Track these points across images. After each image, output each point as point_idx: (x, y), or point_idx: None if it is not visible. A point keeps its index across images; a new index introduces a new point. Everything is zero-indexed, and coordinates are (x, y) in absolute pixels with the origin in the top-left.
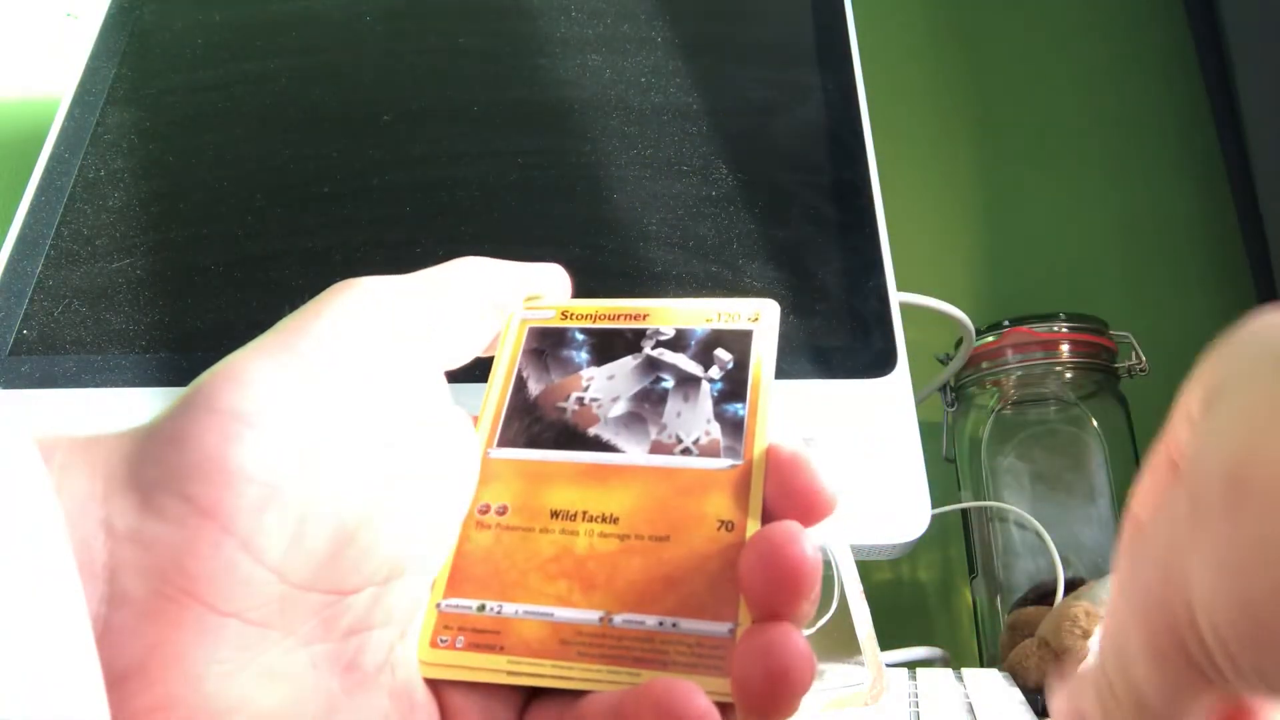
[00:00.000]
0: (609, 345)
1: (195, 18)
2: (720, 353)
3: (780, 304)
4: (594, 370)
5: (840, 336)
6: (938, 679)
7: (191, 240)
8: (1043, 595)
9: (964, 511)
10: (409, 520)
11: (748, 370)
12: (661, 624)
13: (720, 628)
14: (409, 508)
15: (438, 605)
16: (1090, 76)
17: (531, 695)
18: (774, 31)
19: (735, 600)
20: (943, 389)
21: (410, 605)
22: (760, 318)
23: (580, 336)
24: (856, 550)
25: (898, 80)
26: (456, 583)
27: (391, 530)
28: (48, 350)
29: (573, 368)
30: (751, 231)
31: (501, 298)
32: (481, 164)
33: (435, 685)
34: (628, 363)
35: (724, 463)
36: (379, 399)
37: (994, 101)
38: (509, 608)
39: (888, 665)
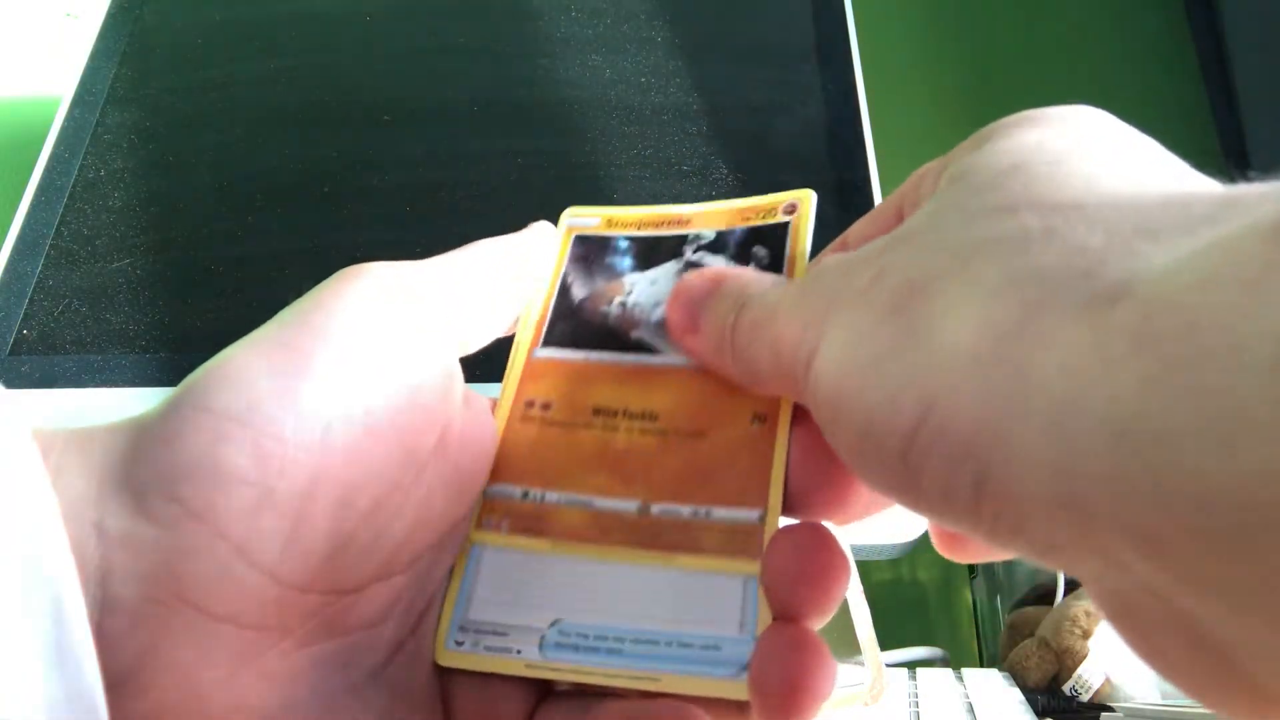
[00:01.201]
0: (651, 251)
1: (195, 18)
2: (757, 249)
3: None
4: (636, 275)
5: None
6: (938, 679)
7: (191, 240)
8: (1042, 595)
9: None
10: (414, 517)
11: (783, 264)
12: (695, 512)
13: (750, 514)
14: (414, 504)
15: (484, 492)
16: (1090, 76)
17: (540, 699)
18: (774, 31)
19: (765, 488)
20: None
21: (413, 601)
22: (797, 209)
23: (624, 244)
24: (856, 550)
25: (898, 80)
26: (501, 469)
27: (396, 528)
28: (48, 350)
29: (616, 274)
30: None
31: (522, 275)
32: (481, 164)
33: (441, 683)
34: (670, 267)
35: None
36: (382, 392)
37: (994, 101)
38: (551, 495)
39: (888, 665)
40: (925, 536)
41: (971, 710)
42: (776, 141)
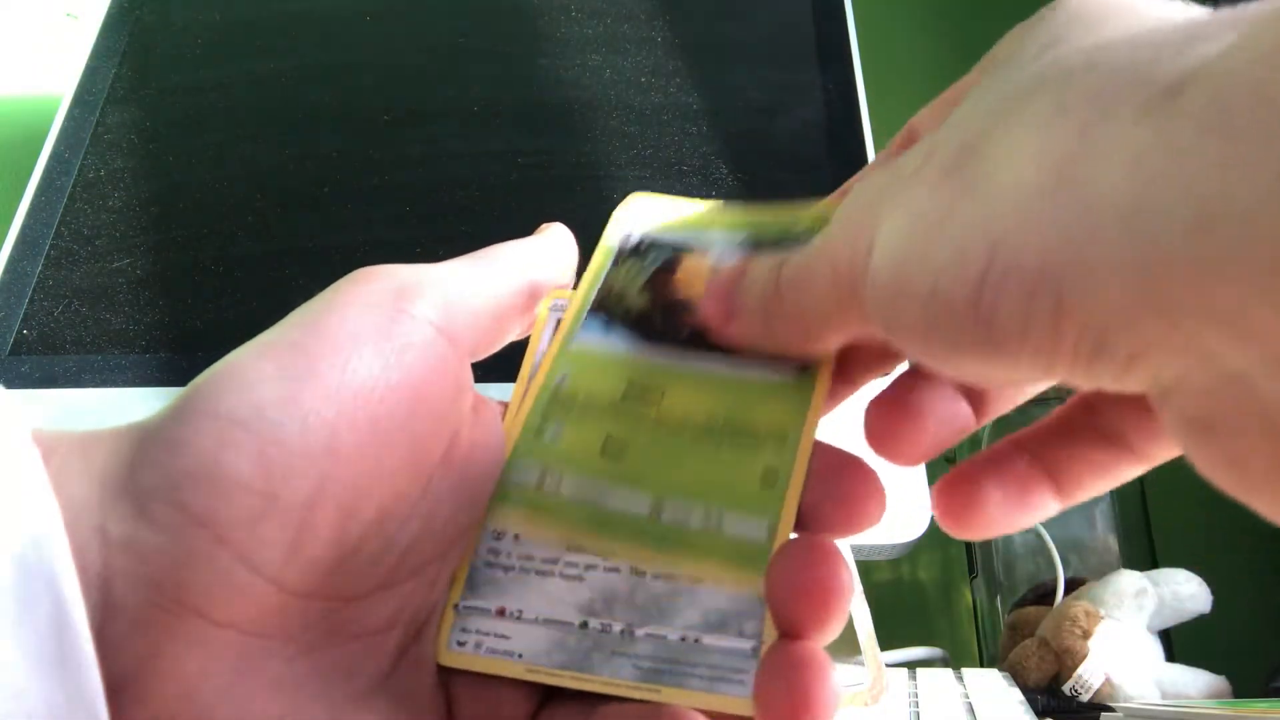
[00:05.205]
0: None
1: (195, 18)
2: None
3: None
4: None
5: None
6: (938, 679)
7: (191, 240)
8: (1043, 595)
9: None
10: (420, 526)
11: None
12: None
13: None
14: (421, 513)
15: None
16: None
17: (543, 702)
18: (774, 31)
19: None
20: None
21: (418, 609)
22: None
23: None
24: (856, 550)
25: (898, 80)
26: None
27: (401, 536)
28: (48, 350)
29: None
30: None
31: (538, 280)
32: (481, 164)
33: (445, 690)
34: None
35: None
36: (390, 400)
37: None
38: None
39: (888, 665)
40: (925, 536)
41: (971, 710)
42: (776, 141)
